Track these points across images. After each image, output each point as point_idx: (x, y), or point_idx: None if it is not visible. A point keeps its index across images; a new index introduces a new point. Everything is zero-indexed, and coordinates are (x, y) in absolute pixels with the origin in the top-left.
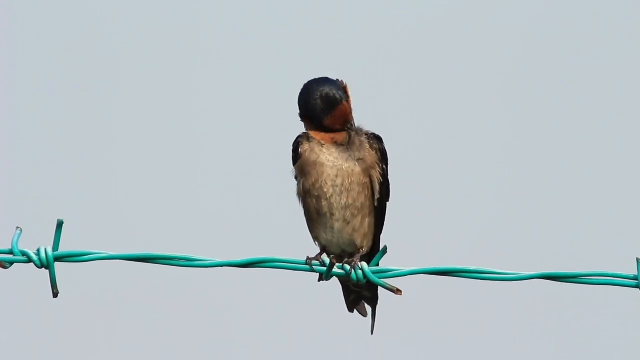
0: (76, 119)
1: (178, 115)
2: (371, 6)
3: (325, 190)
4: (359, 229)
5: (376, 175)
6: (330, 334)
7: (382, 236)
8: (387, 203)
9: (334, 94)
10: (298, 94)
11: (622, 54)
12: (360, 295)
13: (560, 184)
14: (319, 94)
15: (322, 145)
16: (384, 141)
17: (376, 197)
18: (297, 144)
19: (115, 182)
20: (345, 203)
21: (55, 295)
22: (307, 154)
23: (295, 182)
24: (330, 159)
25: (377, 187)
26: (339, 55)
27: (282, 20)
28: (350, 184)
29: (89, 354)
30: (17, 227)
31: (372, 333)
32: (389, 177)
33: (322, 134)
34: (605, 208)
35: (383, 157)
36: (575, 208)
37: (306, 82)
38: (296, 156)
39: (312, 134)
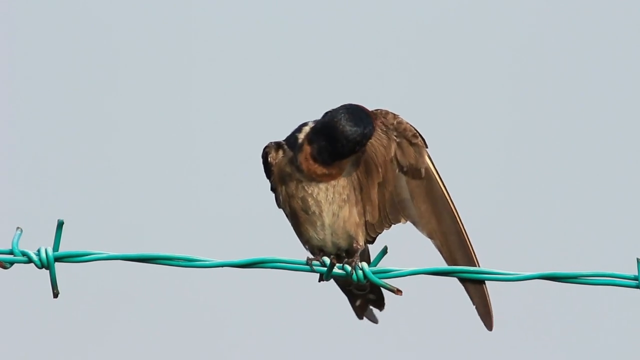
0: (76, 119)
1: (178, 115)
2: (371, 6)
3: (310, 191)
4: (349, 219)
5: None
6: (330, 334)
7: (383, 236)
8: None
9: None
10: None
11: (622, 55)
12: (366, 299)
13: (560, 184)
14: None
15: (317, 174)
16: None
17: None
18: (265, 155)
19: (115, 182)
20: (332, 197)
21: (56, 295)
22: (282, 164)
23: (274, 194)
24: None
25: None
26: (338, 55)
27: (282, 20)
28: (337, 180)
29: (89, 354)
30: (17, 227)
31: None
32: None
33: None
34: (606, 208)
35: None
36: (576, 208)
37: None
38: (267, 167)
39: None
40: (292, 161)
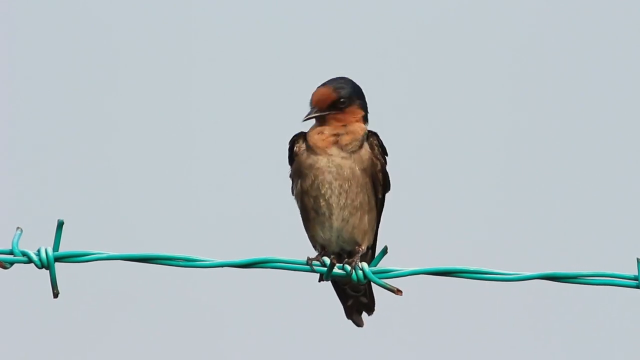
0: (76, 119)
1: (178, 115)
2: (371, 6)
3: (323, 192)
4: (359, 226)
5: (378, 175)
6: (330, 334)
7: (383, 236)
8: (387, 194)
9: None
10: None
11: (622, 55)
12: (358, 300)
13: (560, 184)
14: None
15: (319, 146)
16: (379, 135)
17: (379, 196)
18: (292, 143)
19: (115, 182)
20: (344, 203)
21: (56, 295)
22: (303, 156)
23: (291, 182)
24: (327, 163)
25: (378, 186)
26: (339, 55)
27: (282, 20)
28: (349, 186)
29: (89, 354)
30: (17, 227)
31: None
32: (389, 169)
33: (325, 132)
34: (605, 208)
35: (383, 151)
36: (576, 208)
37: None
38: (292, 155)
39: (315, 132)
40: (308, 147)
